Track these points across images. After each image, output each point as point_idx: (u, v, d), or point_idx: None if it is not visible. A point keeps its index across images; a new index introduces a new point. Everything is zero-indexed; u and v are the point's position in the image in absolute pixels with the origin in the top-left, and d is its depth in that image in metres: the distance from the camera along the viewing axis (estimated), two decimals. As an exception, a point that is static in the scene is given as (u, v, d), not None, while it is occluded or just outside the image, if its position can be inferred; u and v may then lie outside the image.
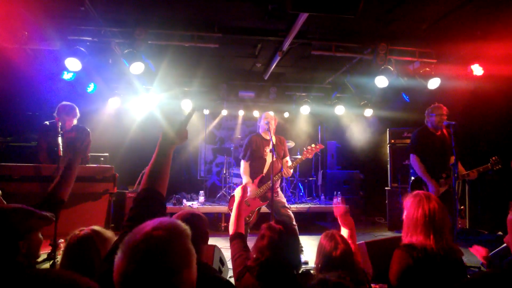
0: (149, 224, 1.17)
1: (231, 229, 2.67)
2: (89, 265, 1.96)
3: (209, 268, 2.08)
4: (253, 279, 2.03)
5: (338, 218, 2.86)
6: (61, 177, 2.28)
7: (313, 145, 4.81)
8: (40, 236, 1.86)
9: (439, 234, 2.27)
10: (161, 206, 1.56)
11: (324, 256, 2.18)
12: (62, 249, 2.05)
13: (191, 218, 2.23)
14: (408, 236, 2.37)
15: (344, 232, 2.72)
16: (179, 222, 1.24)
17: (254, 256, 2.08)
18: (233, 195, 5.09)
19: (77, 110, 5.06)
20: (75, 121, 5.06)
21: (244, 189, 2.91)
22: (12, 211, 1.76)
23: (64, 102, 5.01)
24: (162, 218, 1.22)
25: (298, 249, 2.14)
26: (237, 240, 2.52)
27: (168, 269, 1.10)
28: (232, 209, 4.86)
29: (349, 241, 2.47)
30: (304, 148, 4.86)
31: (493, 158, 4.78)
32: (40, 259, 3.52)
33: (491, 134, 6.58)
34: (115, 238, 2.17)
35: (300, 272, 2.09)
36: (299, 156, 4.92)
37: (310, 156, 4.85)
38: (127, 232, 1.37)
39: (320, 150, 4.88)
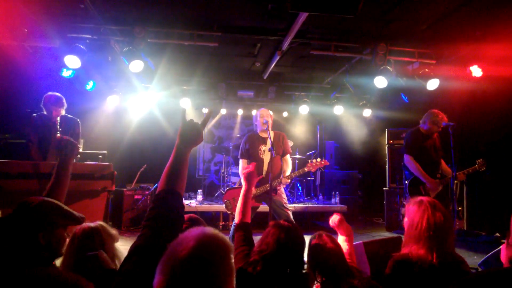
0: (193, 238, 1.12)
1: (236, 218, 2.57)
2: None
3: None
4: (255, 276, 1.99)
5: (335, 228, 2.76)
6: (55, 180, 2.27)
7: (318, 159, 4.78)
8: (66, 234, 1.87)
9: (443, 247, 2.17)
10: (180, 206, 1.54)
11: (313, 257, 2.17)
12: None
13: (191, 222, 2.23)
14: (409, 247, 2.26)
15: (341, 238, 2.67)
16: (222, 235, 1.19)
17: (259, 249, 2.04)
18: (232, 188, 5.06)
19: (64, 100, 4.96)
20: (63, 112, 4.97)
21: (252, 175, 2.75)
22: (38, 203, 1.79)
23: (50, 93, 4.92)
24: (206, 231, 1.17)
25: (303, 249, 2.10)
26: (240, 232, 2.43)
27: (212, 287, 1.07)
28: (226, 201, 4.86)
29: (347, 244, 2.45)
30: (309, 161, 4.83)
31: (479, 160, 4.95)
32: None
33: (490, 136, 6.59)
34: (118, 236, 2.20)
35: (301, 272, 2.07)
36: (297, 156, 4.90)
37: (313, 170, 4.83)
38: (146, 233, 1.37)
39: (325, 166, 4.85)
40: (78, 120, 5.21)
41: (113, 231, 2.17)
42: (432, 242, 2.16)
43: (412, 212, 2.31)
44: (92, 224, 2.11)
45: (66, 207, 1.91)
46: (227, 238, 1.19)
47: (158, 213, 1.46)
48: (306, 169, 4.81)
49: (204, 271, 1.06)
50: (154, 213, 1.46)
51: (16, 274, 0.99)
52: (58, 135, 4.44)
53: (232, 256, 1.17)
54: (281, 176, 4.73)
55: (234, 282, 1.17)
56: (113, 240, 2.13)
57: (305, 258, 2.16)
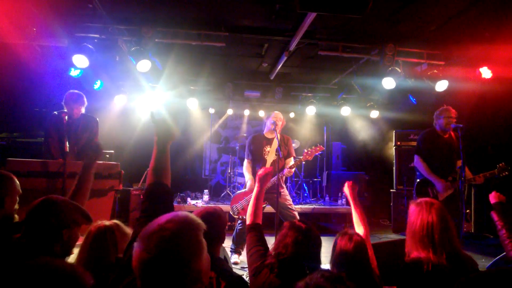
0: (164, 217, 1.29)
1: (248, 219, 2.59)
2: (105, 254, 2.05)
3: (225, 264, 2.16)
4: (271, 276, 1.99)
5: (348, 193, 2.90)
6: (79, 182, 2.33)
7: (313, 146, 4.76)
8: (79, 232, 1.99)
9: (440, 248, 2.17)
10: (169, 195, 1.75)
11: (338, 252, 2.14)
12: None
13: (207, 215, 2.23)
14: (411, 250, 2.30)
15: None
16: (193, 216, 1.35)
17: (276, 252, 2.04)
18: (237, 193, 5.08)
19: (85, 98, 5.05)
20: (83, 110, 5.06)
21: (266, 175, 2.73)
22: (64, 201, 1.91)
23: (71, 90, 5.02)
24: (178, 212, 1.34)
25: (320, 250, 2.10)
26: (253, 232, 2.44)
27: (177, 258, 1.22)
28: (233, 206, 4.87)
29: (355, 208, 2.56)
30: (304, 150, 4.82)
31: (500, 164, 4.59)
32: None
33: (499, 138, 6.52)
34: None
35: None
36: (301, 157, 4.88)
37: (310, 158, 4.79)
38: (143, 222, 1.53)
39: (321, 152, 4.83)
40: (97, 119, 5.26)
41: (128, 230, 2.22)
42: (427, 243, 2.20)
43: (410, 213, 2.38)
44: (107, 223, 2.16)
45: (81, 206, 2.02)
46: (197, 219, 1.35)
47: (150, 204, 1.67)
48: (303, 159, 4.80)
49: (168, 244, 1.21)
50: (146, 205, 1.67)
51: (23, 262, 1.06)
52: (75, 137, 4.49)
53: (201, 233, 1.31)
54: (284, 170, 4.72)
55: (203, 258, 1.30)
56: (128, 238, 2.16)
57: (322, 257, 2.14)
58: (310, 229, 2.08)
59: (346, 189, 2.94)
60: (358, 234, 2.25)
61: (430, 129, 5.08)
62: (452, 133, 4.96)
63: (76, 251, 2.13)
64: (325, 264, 2.49)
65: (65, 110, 4.96)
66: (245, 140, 8.69)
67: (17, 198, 2.36)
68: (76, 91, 5.03)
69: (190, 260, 1.24)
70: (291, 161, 5.00)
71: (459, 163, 4.91)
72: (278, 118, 4.93)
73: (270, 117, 4.99)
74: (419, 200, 2.39)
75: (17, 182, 2.40)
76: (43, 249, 1.74)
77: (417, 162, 4.98)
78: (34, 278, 1.02)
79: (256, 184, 2.73)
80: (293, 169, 4.79)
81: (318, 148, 4.75)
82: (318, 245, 2.09)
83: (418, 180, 5.08)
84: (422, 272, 2.13)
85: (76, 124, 4.93)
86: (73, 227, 1.88)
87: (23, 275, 1.03)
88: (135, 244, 1.25)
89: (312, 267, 2.00)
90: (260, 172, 2.77)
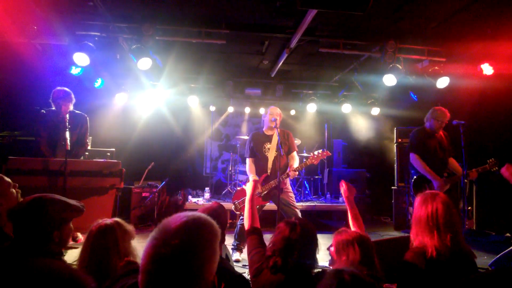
0: (186, 216, 1.25)
1: (246, 224, 2.64)
2: (107, 252, 2.04)
3: (226, 263, 2.18)
4: (270, 275, 2.00)
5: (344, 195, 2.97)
6: None
7: (320, 151, 4.75)
8: (71, 225, 2.01)
9: (444, 234, 2.22)
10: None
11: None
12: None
13: (208, 212, 2.25)
14: (416, 237, 2.34)
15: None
16: (213, 221, 1.32)
17: (271, 250, 2.05)
18: (238, 189, 5.08)
19: (73, 95, 5.03)
20: (71, 107, 5.04)
21: (256, 183, 2.89)
22: (52, 202, 1.90)
23: (58, 88, 5.00)
24: (197, 213, 1.30)
25: (314, 246, 2.09)
26: (253, 235, 2.48)
27: (192, 261, 1.18)
28: (235, 202, 4.88)
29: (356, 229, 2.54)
30: (311, 153, 4.82)
31: (491, 159, 4.83)
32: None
33: (500, 134, 6.51)
34: (134, 233, 2.25)
35: (316, 271, 2.06)
36: (305, 154, 4.87)
37: (315, 162, 4.78)
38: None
39: (327, 157, 4.82)
40: (86, 116, 5.25)
41: (129, 228, 2.21)
42: (432, 229, 2.25)
43: (416, 204, 2.43)
44: (108, 221, 2.14)
45: (71, 201, 2.02)
46: (216, 225, 1.31)
47: None
48: (308, 162, 4.78)
49: (190, 243, 1.18)
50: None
51: (20, 265, 1.00)
52: (67, 132, 4.48)
53: (218, 241, 1.28)
54: (288, 170, 4.71)
55: (216, 262, 1.27)
56: (129, 237, 2.16)
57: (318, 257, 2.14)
58: (303, 225, 2.08)
59: (342, 190, 2.99)
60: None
61: (421, 128, 5.18)
62: (441, 132, 5.06)
63: (77, 251, 2.14)
64: (325, 261, 2.49)
65: (53, 108, 4.96)
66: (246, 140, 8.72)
67: (14, 190, 2.40)
68: (64, 88, 5.01)
69: (204, 265, 1.21)
70: (294, 157, 4.97)
71: (451, 160, 5.01)
72: (275, 113, 4.91)
73: (267, 114, 4.98)
74: (423, 192, 2.45)
75: (7, 178, 2.44)
76: (36, 250, 1.75)
77: (414, 159, 5.03)
78: (32, 281, 0.94)
79: (248, 190, 2.85)
80: (297, 172, 4.79)
81: (324, 153, 4.73)
82: (311, 240, 2.08)
83: (414, 177, 5.13)
84: (423, 261, 2.19)
85: (65, 123, 4.92)
86: (63, 227, 1.89)
87: (20, 277, 0.95)
88: (150, 235, 1.21)
89: (308, 264, 2.00)
90: (251, 182, 2.91)
